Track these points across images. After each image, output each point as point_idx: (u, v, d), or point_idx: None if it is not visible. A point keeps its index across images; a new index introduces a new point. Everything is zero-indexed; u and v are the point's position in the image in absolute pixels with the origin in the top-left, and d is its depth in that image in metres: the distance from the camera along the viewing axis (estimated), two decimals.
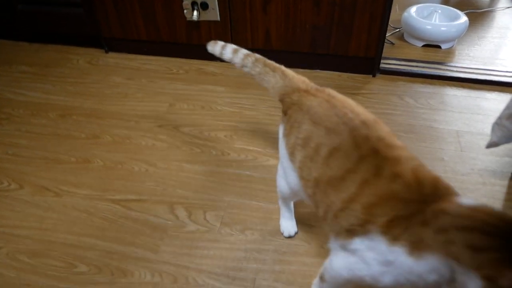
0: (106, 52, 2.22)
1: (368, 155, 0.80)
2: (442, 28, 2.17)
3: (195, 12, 1.90)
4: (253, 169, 1.49)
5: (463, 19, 2.19)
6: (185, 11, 1.93)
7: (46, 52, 2.26)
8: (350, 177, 0.80)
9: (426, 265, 0.69)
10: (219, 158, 1.54)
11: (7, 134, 1.70)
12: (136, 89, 1.94)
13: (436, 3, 2.54)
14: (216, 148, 1.59)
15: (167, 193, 1.41)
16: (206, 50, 1.26)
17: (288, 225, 1.27)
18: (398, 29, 2.37)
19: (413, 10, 2.28)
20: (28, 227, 1.32)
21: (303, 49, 1.96)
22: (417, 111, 1.75)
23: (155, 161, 1.54)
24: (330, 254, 0.92)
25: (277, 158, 1.52)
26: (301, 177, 0.95)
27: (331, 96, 0.96)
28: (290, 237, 1.26)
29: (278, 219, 1.30)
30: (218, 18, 1.93)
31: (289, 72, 1.11)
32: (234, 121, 1.72)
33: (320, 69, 2.03)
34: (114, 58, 2.18)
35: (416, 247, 0.70)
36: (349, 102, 0.94)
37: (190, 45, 2.08)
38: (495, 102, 1.79)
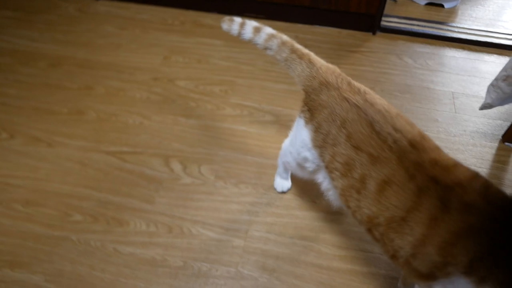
0: None
1: (427, 186, 0.70)
2: None
3: None
4: (248, 125, 1.49)
5: None
6: None
7: None
8: (413, 217, 0.70)
9: None
10: (214, 113, 1.53)
11: None
12: (130, 39, 1.88)
13: None
14: (212, 102, 1.57)
15: (162, 146, 1.41)
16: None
17: (282, 182, 1.29)
18: None
19: None
20: (21, 177, 1.32)
21: (305, 3, 1.90)
22: (415, 72, 1.73)
23: (150, 114, 1.52)
24: None
25: (273, 114, 1.53)
26: (346, 206, 0.86)
27: (368, 103, 0.82)
28: (282, 192, 1.28)
29: (272, 174, 1.32)
30: None
31: (318, 60, 0.97)
32: (230, 75, 1.69)
33: (320, 25, 1.98)
34: (105, 6, 2.09)
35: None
36: (391, 110, 0.81)
37: None
38: (493, 65, 1.78)
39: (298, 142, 0.98)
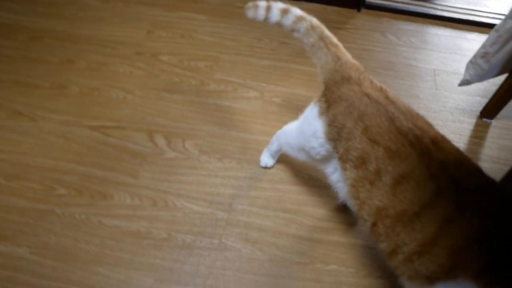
0: None
1: (448, 187, 0.69)
2: None
3: None
4: (232, 100, 1.50)
5: None
6: None
7: None
8: (427, 215, 0.69)
9: None
10: (198, 88, 1.53)
11: None
12: (112, 13, 1.84)
13: None
14: (196, 78, 1.57)
15: (146, 121, 1.41)
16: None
17: (268, 159, 1.30)
18: None
19: None
20: (4, 151, 1.31)
21: None
22: (398, 49, 1.75)
23: (133, 89, 1.51)
24: None
25: (258, 90, 1.54)
26: (355, 197, 0.84)
27: (389, 100, 0.82)
28: (266, 167, 1.31)
29: (256, 149, 1.34)
30: None
31: (344, 54, 0.95)
32: (214, 51, 1.68)
33: (305, 1, 1.96)
34: None
35: None
36: (411, 110, 0.82)
37: None
38: (474, 42, 1.81)
39: (308, 131, 0.96)
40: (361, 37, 1.79)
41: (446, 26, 1.89)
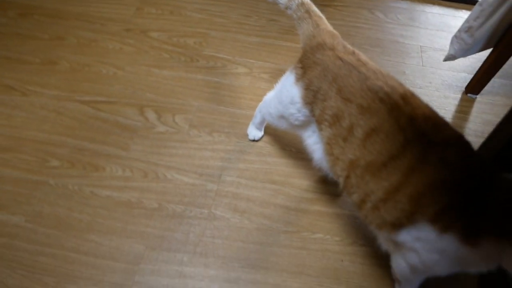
0: None
1: (415, 139, 0.73)
2: None
3: None
4: (221, 76, 1.52)
5: None
6: None
7: None
8: (393, 164, 0.74)
9: (483, 252, 0.68)
10: (188, 64, 1.55)
11: None
12: None
13: None
14: (185, 54, 1.58)
15: (136, 96, 1.43)
16: None
17: (255, 132, 1.33)
18: None
19: None
20: None
21: None
22: (385, 26, 1.77)
23: (123, 65, 1.53)
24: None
25: (246, 66, 1.56)
26: (329, 154, 0.89)
27: (361, 62, 0.87)
28: (254, 140, 1.34)
29: (244, 124, 1.37)
30: None
31: (324, 23, 1.01)
32: (203, 28, 1.69)
33: None
34: None
35: (471, 235, 0.67)
36: (382, 70, 0.86)
37: None
38: (461, 20, 1.78)
39: (286, 98, 1.01)
40: (349, 14, 1.81)
41: (433, 3, 1.90)
